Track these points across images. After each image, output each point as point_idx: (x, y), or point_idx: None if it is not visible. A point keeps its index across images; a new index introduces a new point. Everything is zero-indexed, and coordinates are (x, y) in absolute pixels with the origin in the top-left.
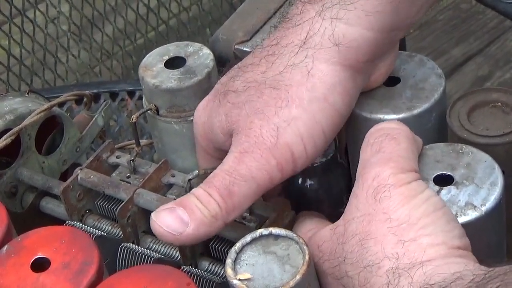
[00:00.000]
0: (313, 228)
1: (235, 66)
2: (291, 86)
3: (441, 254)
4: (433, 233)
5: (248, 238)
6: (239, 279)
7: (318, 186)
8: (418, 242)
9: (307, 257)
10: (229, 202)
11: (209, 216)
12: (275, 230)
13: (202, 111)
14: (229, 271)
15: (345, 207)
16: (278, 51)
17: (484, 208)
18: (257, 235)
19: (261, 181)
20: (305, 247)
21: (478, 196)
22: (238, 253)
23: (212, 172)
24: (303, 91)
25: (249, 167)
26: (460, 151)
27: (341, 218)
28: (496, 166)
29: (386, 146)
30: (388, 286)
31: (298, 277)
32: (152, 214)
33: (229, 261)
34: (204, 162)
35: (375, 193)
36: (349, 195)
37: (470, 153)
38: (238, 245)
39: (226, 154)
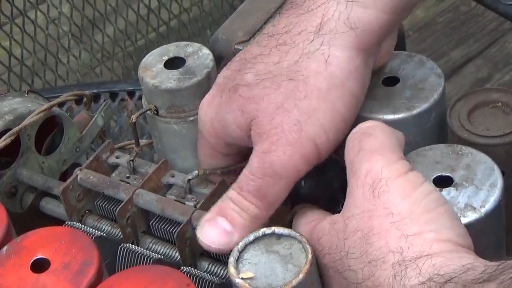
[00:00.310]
0: (314, 220)
1: (237, 58)
2: (309, 77)
3: (447, 250)
4: (437, 229)
5: (251, 237)
6: (242, 278)
7: (314, 185)
8: (423, 237)
9: (310, 256)
10: (264, 201)
11: (250, 218)
12: (278, 229)
13: (208, 107)
14: (231, 269)
15: (341, 206)
16: (291, 39)
17: (483, 210)
18: (260, 234)
19: (287, 176)
20: (308, 246)
21: (478, 198)
22: (241, 252)
23: (211, 172)
24: (321, 80)
25: (273, 166)
26: (460, 152)
27: (340, 214)
28: (496, 167)
29: (365, 143)
30: (395, 277)
31: (300, 276)
32: (197, 233)
33: (231, 259)
34: (209, 159)
35: (372, 189)
36: (345, 195)
37: (469, 154)
38: (241, 244)
39: (237, 149)
